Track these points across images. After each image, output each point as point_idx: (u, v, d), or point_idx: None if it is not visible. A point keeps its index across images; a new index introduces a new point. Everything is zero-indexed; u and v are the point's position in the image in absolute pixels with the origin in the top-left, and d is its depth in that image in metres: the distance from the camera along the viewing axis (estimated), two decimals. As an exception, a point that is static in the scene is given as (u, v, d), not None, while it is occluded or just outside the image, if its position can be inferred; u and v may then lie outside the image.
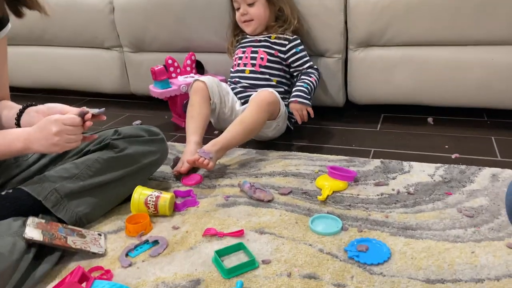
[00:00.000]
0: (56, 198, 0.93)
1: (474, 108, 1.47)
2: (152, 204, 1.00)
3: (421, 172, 1.14)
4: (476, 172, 1.11)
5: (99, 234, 0.94)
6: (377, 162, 1.22)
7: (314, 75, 1.41)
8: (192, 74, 1.65)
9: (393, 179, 1.12)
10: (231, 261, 0.85)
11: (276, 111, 1.32)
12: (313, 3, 1.44)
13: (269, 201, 1.06)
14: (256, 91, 1.35)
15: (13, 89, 1.10)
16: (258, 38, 1.46)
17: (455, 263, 0.79)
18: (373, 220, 0.95)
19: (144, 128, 1.11)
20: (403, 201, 1.01)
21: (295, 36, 1.43)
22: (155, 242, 0.92)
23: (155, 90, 1.57)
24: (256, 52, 1.43)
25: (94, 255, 0.88)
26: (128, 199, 1.05)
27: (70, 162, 1.01)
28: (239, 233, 0.93)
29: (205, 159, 1.16)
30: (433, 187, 1.06)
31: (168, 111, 1.71)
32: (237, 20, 1.45)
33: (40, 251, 0.84)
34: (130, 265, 0.85)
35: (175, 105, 1.63)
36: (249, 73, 1.43)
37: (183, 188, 1.15)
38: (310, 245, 0.88)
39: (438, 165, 1.17)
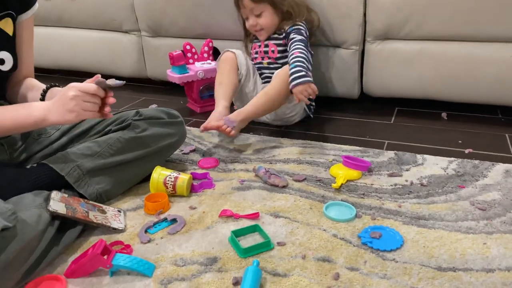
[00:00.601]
0: (78, 174, 0.96)
1: (488, 105, 1.48)
2: (171, 184, 1.03)
3: (434, 165, 1.15)
4: (489, 167, 1.13)
5: (119, 211, 0.97)
6: (391, 153, 1.23)
7: (299, 46, 1.32)
8: (209, 61, 1.67)
9: (407, 170, 1.13)
10: (247, 242, 0.87)
11: None
12: (333, -6, 1.45)
13: (283, 186, 1.08)
14: None
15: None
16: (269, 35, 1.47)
17: (467, 253, 0.81)
18: (386, 209, 0.96)
19: (164, 111, 1.13)
20: (416, 192, 1.03)
21: (298, 24, 1.40)
22: (173, 221, 0.95)
23: (173, 75, 1.59)
24: (267, 45, 1.46)
25: (115, 230, 0.91)
26: (146, 179, 1.07)
27: (92, 140, 1.04)
28: (255, 216, 0.95)
29: (228, 126, 1.23)
30: (446, 180, 1.08)
31: (183, 96, 1.74)
32: (248, 28, 1.46)
33: (63, 224, 0.87)
34: (149, 241, 0.88)
35: (192, 91, 1.65)
36: (267, 64, 1.46)
37: (199, 171, 1.17)
38: (324, 230, 0.90)
39: (452, 159, 1.18)
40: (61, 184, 0.95)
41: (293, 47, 1.32)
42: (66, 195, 0.91)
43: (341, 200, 1.01)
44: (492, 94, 1.43)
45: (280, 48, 1.43)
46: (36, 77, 1.09)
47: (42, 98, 0.99)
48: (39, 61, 2.09)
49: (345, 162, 1.14)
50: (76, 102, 0.86)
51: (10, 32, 0.96)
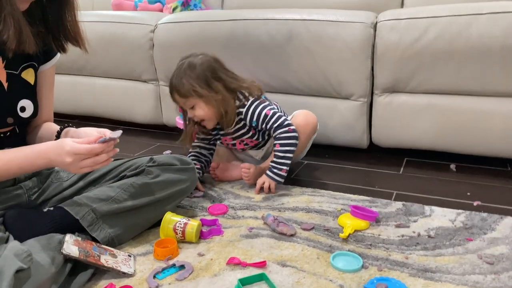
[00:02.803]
0: (92, 218, 1.00)
1: (497, 158, 1.49)
2: (180, 230, 1.05)
3: (442, 217, 1.16)
4: (498, 221, 1.13)
5: (129, 255, 0.99)
6: (399, 204, 1.24)
7: (282, 141, 1.33)
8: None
9: (414, 222, 1.14)
10: (253, 290, 0.88)
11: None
12: (342, 49, 1.52)
13: (291, 235, 1.09)
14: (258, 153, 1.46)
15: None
16: (227, 136, 1.45)
17: (474, 308, 0.81)
18: (393, 260, 0.97)
19: (177, 157, 1.18)
20: (423, 243, 1.03)
21: (240, 114, 1.37)
22: (182, 267, 0.96)
23: (181, 121, 1.67)
24: (234, 144, 1.47)
25: (124, 274, 0.92)
26: (157, 224, 1.10)
27: (107, 185, 1.08)
28: (262, 264, 0.96)
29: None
30: (453, 232, 1.08)
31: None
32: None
33: (74, 266, 0.89)
34: (157, 286, 0.89)
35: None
36: (251, 148, 1.49)
37: (209, 217, 1.20)
38: (330, 280, 0.90)
39: (460, 211, 1.19)
40: (75, 227, 0.98)
41: (277, 139, 1.33)
42: (79, 239, 0.94)
43: (348, 250, 1.01)
44: (500, 147, 1.45)
45: (255, 137, 1.43)
46: (56, 122, 1.15)
47: (57, 139, 1.04)
48: (60, 107, 2.19)
49: (353, 212, 1.16)
50: (75, 165, 0.91)
51: (32, 81, 1.03)
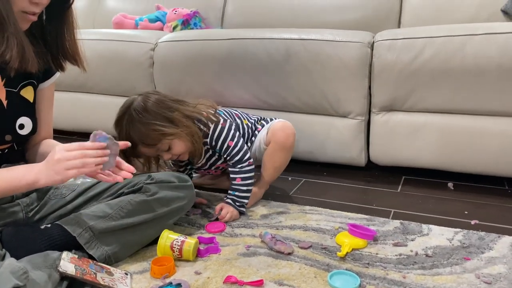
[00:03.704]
0: (89, 236, 0.99)
1: (495, 176, 1.50)
2: (177, 248, 1.05)
3: (440, 236, 1.16)
4: (495, 240, 1.13)
5: (126, 273, 0.99)
6: (396, 223, 1.24)
7: (244, 174, 1.31)
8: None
9: (412, 240, 1.14)
10: (250, 309, 0.87)
11: None
12: (339, 68, 1.54)
13: (289, 253, 1.09)
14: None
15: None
16: (200, 169, 1.42)
17: (472, 328, 0.80)
18: (390, 280, 0.96)
19: (175, 174, 1.18)
20: (421, 262, 1.03)
21: (206, 144, 1.33)
22: (178, 285, 0.95)
23: None
24: (209, 172, 1.46)
25: (120, 293, 0.92)
26: (154, 241, 1.10)
27: (104, 202, 1.08)
28: (259, 283, 0.96)
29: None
30: (451, 251, 1.08)
31: (195, 160, 1.79)
32: (166, 159, 1.31)
33: (71, 284, 0.89)
34: (153, 305, 0.89)
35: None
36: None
37: (206, 235, 1.19)
38: (327, 299, 0.90)
39: (457, 230, 1.19)
40: (73, 244, 0.98)
41: (236, 171, 1.32)
42: (76, 256, 0.94)
43: (346, 269, 1.01)
44: (498, 166, 1.45)
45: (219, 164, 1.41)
46: (56, 138, 1.16)
47: None
48: (60, 124, 2.20)
49: (351, 230, 1.16)
50: (60, 164, 0.88)
51: (31, 99, 1.04)
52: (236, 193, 1.31)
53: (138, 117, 1.20)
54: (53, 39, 1.00)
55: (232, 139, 1.31)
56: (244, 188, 1.31)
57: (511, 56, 1.32)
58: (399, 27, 2.00)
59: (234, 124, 1.35)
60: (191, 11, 2.30)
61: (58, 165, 0.89)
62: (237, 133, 1.34)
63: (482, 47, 1.36)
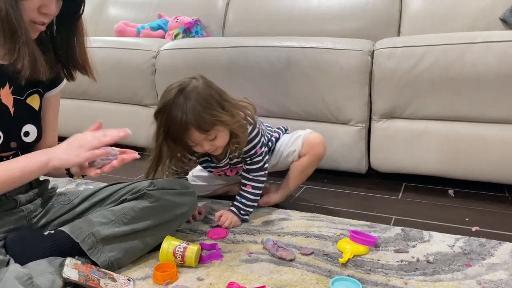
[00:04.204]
0: (93, 242, 1.00)
1: (495, 183, 1.50)
2: (180, 255, 1.05)
3: (441, 242, 1.16)
4: (496, 246, 1.13)
5: (129, 279, 0.99)
6: (397, 229, 1.25)
7: (256, 184, 1.32)
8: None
9: (413, 247, 1.14)
10: (252, 315, 0.88)
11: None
12: (340, 76, 1.55)
13: (291, 260, 1.09)
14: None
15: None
16: (226, 162, 1.36)
17: (474, 334, 0.80)
18: (392, 286, 0.97)
19: (177, 181, 1.19)
20: (422, 269, 1.04)
21: (257, 156, 1.32)
22: (181, 291, 0.96)
23: None
24: (224, 172, 1.41)
25: (123, 299, 0.92)
26: (156, 247, 1.10)
27: (107, 209, 1.09)
28: (261, 289, 0.96)
29: None
30: (452, 258, 1.08)
31: (196, 167, 1.80)
32: (199, 151, 1.25)
33: (74, 291, 0.89)
34: (156, 311, 0.89)
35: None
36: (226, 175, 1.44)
37: (208, 241, 1.20)
38: (330, 305, 0.90)
39: (458, 236, 1.19)
40: (76, 250, 0.99)
41: (251, 179, 1.32)
42: (79, 262, 0.95)
43: (348, 276, 1.01)
44: (498, 173, 1.46)
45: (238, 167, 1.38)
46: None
47: (68, 173, 1.05)
48: (62, 130, 2.18)
49: (352, 237, 1.16)
50: (76, 141, 0.91)
51: (37, 107, 1.05)
52: (243, 200, 1.31)
53: (197, 99, 1.13)
54: (63, 49, 1.02)
55: (261, 147, 1.31)
56: (252, 197, 1.32)
57: (510, 64, 1.34)
58: (398, 35, 2.02)
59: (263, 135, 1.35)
60: (192, 20, 2.32)
61: (75, 141, 0.90)
62: (264, 140, 1.35)
63: (481, 55, 1.37)
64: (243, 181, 1.33)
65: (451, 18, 1.90)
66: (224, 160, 1.34)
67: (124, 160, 0.97)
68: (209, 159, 1.36)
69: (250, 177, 1.32)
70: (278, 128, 1.49)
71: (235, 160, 1.35)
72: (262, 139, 1.32)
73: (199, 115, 1.13)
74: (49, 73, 0.94)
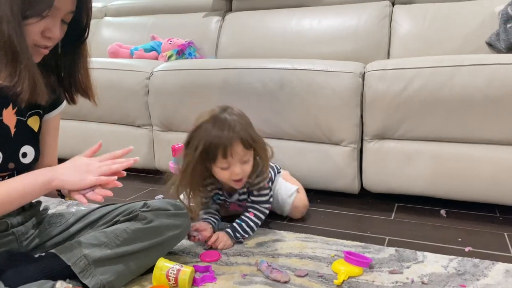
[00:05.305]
0: (84, 264, 0.98)
1: (486, 203, 1.52)
2: (173, 277, 1.04)
3: (435, 263, 1.16)
4: (490, 267, 1.14)
5: (121, 303, 0.97)
6: (391, 250, 1.25)
7: (259, 213, 1.34)
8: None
9: (407, 268, 1.14)
10: None
11: None
12: (332, 97, 1.57)
13: (285, 282, 1.08)
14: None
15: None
16: (236, 198, 1.38)
17: None
18: (388, 308, 0.96)
19: (170, 202, 1.18)
20: (417, 290, 1.03)
21: (265, 189, 1.35)
22: (174, 315, 0.94)
23: (174, 165, 1.69)
24: (228, 205, 1.43)
25: (115, 323, 0.90)
26: (149, 270, 1.08)
27: (100, 230, 1.07)
28: (256, 312, 0.95)
29: None
30: (447, 279, 1.08)
31: (189, 187, 1.79)
32: (223, 178, 1.26)
33: (65, 315, 0.87)
34: (149, 336, 0.87)
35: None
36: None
37: (202, 264, 1.18)
38: (325, 328, 0.89)
39: (452, 257, 1.20)
40: (67, 273, 0.96)
41: (256, 209, 1.33)
42: (70, 286, 0.93)
43: (343, 297, 1.01)
44: (489, 193, 1.48)
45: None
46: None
47: (59, 193, 1.05)
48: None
49: (346, 258, 1.16)
50: (89, 166, 0.93)
51: (36, 128, 1.05)
52: (242, 224, 1.31)
53: (240, 116, 1.23)
54: (66, 72, 1.02)
55: (268, 181, 1.34)
56: (251, 223, 1.32)
57: (497, 86, 1.37)
58: (388, 58, 2.06)
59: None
60: (186, 41, 2.35)
61: (82, 166, 0.92)
62: (271, 176, 1.37)
63: (469, 78, 1.40)
64: (247, 205, 1.34)
65: (439, 42, 1.95)
66: (234, 196, 1.36)
67: (122, 174, 1.00)
68: (220, 192, 1.39)
69: (255, 205, 1.34)
70: (270, 167, 1.44)
71: (243, 197, 1.37)
72: (272, 173, 1.36)
73: (245, 129, 1.20)
74: (48, 97, 0.94)
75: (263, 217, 1.35)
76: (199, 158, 1.21)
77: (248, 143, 1.20)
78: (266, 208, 1.36)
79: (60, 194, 1.04)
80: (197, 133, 1.22)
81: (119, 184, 0.97)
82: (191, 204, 1.30)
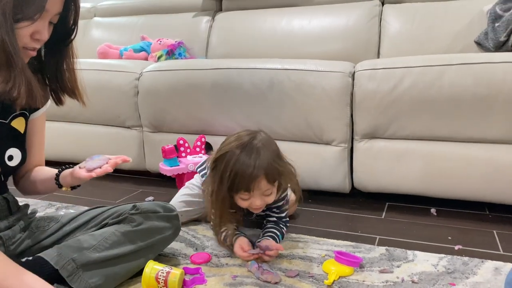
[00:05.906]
0: (72, 268, 0.97)
1: (476, 202, 1.53)
2: (162, 280, 1.03)
3: (425, 262, 1.17)
4: (479, 265, 1.14)
5: (110, 307, 0.96)
6: (382, 249, 1.25)
7: (286, 229, 1.34)
8: (200, 154, 1.76)
9: (398, 267, 1.15)
10: None
11: None
12: (322, 97, 1.57)
13: (276, 283, 1.08)
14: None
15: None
16: (254, 215, 1.36)
17: None
18: (378, 307, 0.96)
19: (160, 204, 1.17)
20: (407, 289, 1.04)
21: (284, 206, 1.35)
22: (164, 318, 0.94)
23: (164, 167, 1.68)
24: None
25: (104, 327, 0.89)
26: (139, 272, 1.08)
27: (88, 233, 1.06)
28: (246, 313, 0.94)
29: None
30: (436, 277, 1.09)
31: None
32: (243, 206, 1.23)
33: (52, 320, 0.86)
34: None
35: (182, 183, 1.70)
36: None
37: (191, 265, 1.18)
38: (316, 329, 0.89)
39: (442, 255, 1.20)
40: (55, 277, 0.95)
41: (282, 224, 1.33)
42: (58, 290, 0.92)
43: (333, 298, 1.01)
44: (478, 192, 1.49)
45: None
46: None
47: (57, 183, 1.05)
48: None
49: (337, 258, 1.16)
50: None
51: (22, 130, 1.03)
52: (280, 235, 1.29)
53: (269, 149, 1.18)
54: (52, 73, 1.00)
55: (285, 196, 1.34)
56: (280, 235, 1.30)
57: (485, 85, 1.38)
58: (378, 57, 2.07)
59: None
60: (175, 42, 2.34)
61: None
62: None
63: (458, 77, 1.41)
64: (277, 224, 1.32)
65: (428, 41, 1.96)
66: (254, 215, 1.36)
67: (116, 163, 1.00)
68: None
69: (278, 222, 1.33)
70: None
71: (261, 213, 1.34)
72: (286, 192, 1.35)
73: (271, 162, 1.15)
74: (44, 100, 0.93)
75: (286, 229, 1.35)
76: (226, 188, 1.18)
77: (273, 178, 1.17)
78: (286, 224, 1.35)
79: (58, 183, 1.04)
80: (223, 159, 1.18)
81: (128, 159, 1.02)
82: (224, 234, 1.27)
